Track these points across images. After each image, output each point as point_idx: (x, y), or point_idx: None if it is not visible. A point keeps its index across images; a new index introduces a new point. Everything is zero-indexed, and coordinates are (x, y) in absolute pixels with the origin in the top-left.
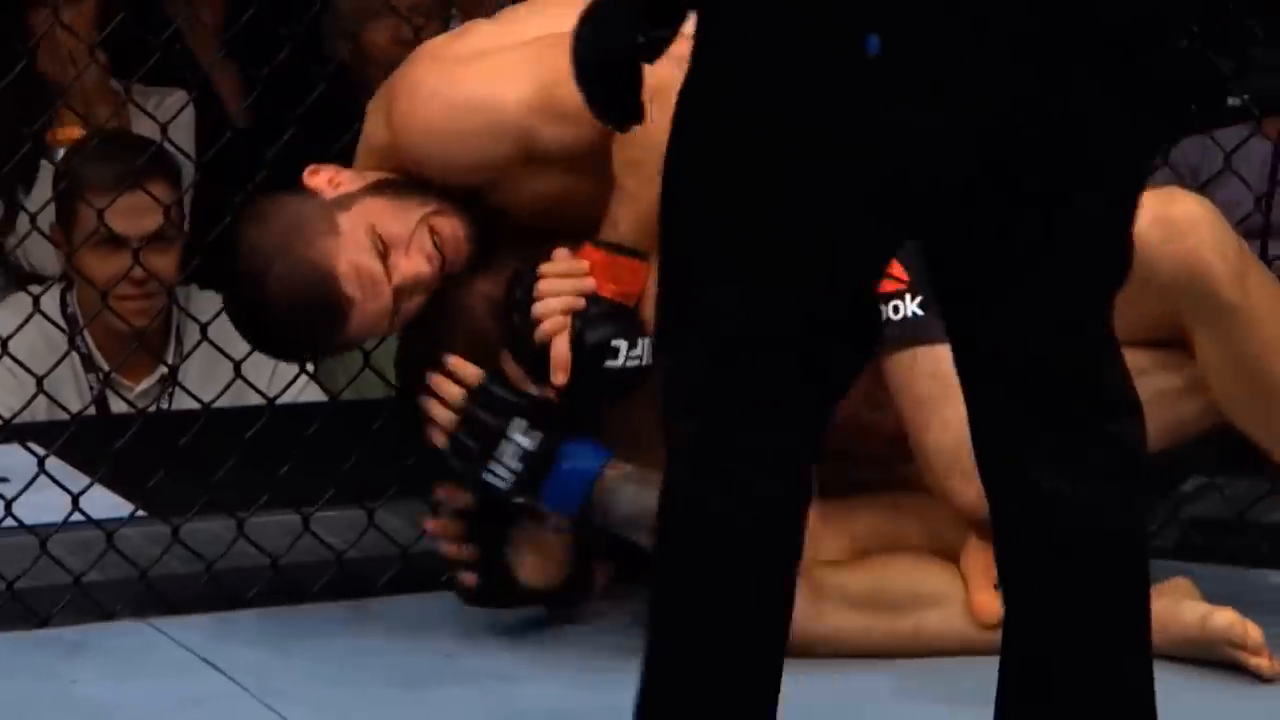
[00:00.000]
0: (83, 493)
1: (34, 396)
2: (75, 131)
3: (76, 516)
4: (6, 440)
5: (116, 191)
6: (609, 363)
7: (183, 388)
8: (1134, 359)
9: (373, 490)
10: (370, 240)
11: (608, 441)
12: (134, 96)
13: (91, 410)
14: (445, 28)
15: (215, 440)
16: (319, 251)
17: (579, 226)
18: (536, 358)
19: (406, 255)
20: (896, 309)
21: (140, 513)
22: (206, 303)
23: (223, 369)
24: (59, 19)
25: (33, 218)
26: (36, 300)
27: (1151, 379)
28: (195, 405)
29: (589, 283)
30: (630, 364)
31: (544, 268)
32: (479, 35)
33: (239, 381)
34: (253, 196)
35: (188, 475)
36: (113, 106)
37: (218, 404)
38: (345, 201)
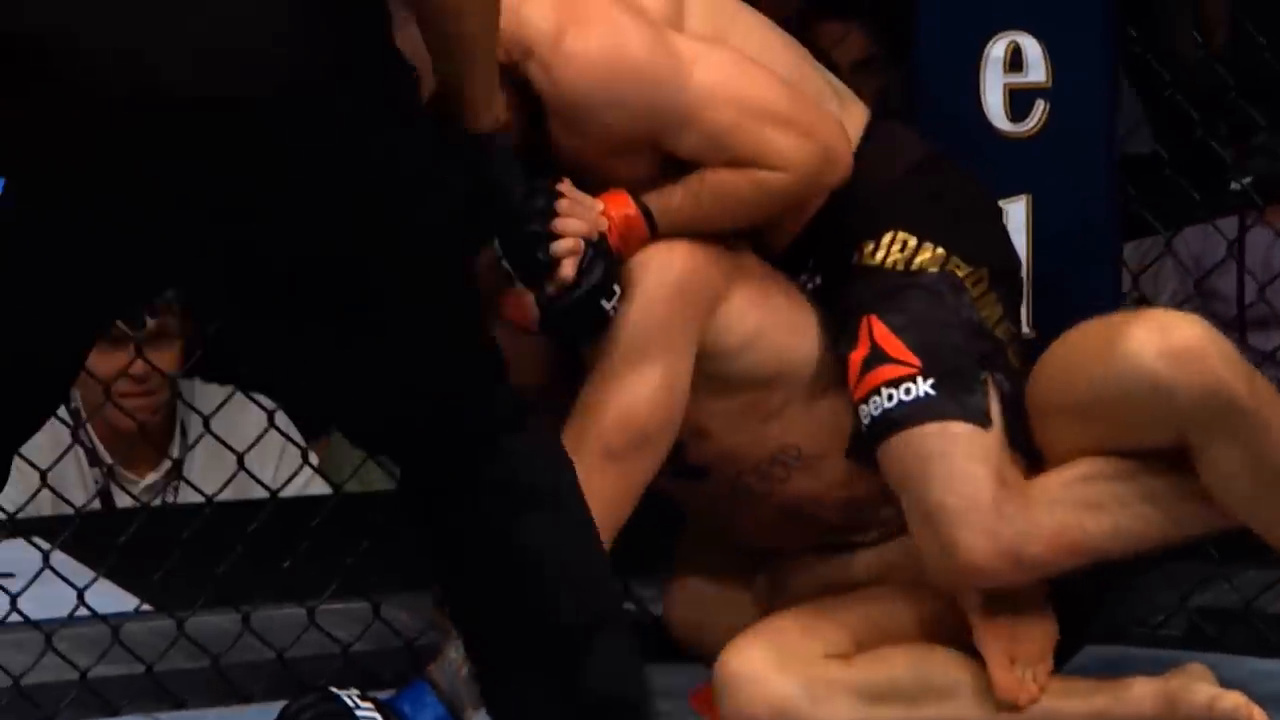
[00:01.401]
0: (88, 587)
1: (38, 490)
2: None
3: (82, 611)
4: (12, 535)
5: None
6: (603, 301)
7: (187, 481)
8: (1128, 464)
9: (378, 583)
10: None
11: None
12: None
13: (96, 504)
14: None
15: (220, 533)
16: None
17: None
18: (539, 266)
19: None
20: (908, 390)
21: (146, 607)
22: (211, 396)
23: (227, 462)
24: None
25: None
26: None
27: (1149, 481)
28: (200, 498)
29: (604, 222)
30: (612, 312)
31: (565, 188)
32: (700, 17)
33: (243, 474)
34: None
35: (193, 569)
36: None
37: (222, 497)
38: None
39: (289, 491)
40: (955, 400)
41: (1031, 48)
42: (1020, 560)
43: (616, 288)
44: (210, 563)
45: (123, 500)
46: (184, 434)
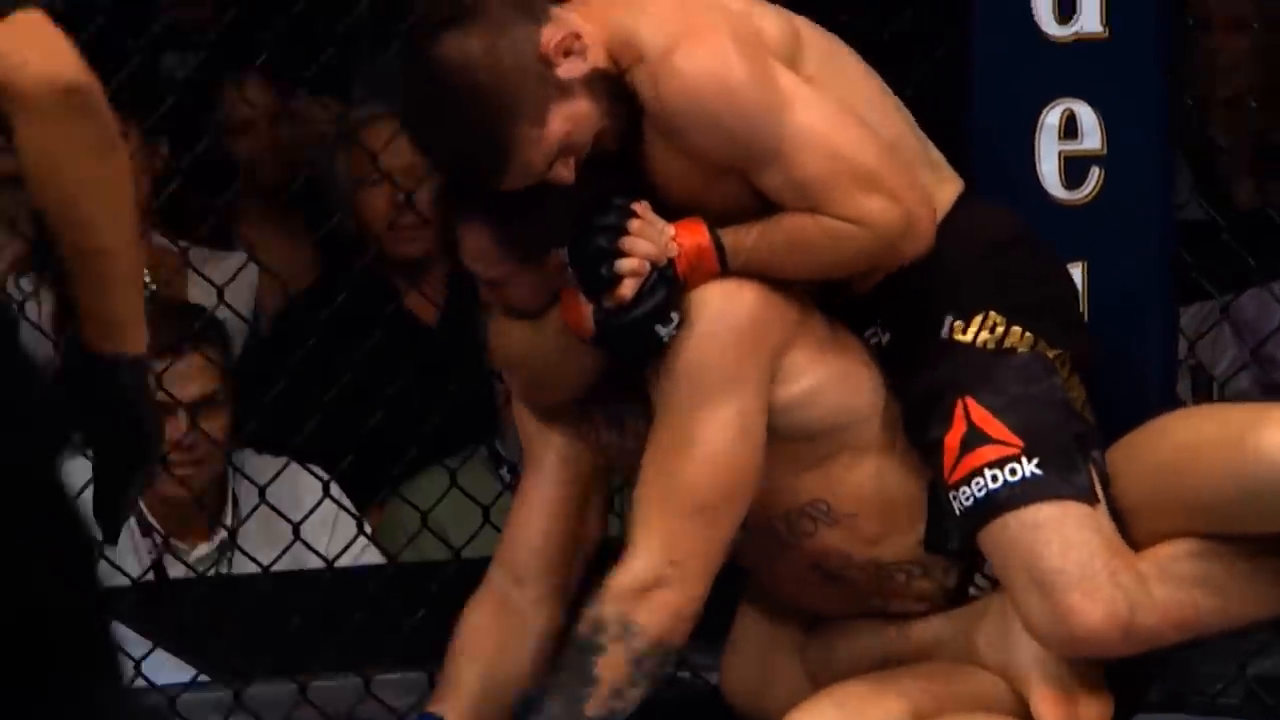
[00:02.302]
0: (145, 658)
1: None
2: None
3: (139, 682)
4: None
5: (160, 359)
6: (659, 326)
7: (242, 551)
8: (1233, 544)
9: (434, 652)
10: (557, 148)
11: None
12: (192, 260)
13: (149, 575)
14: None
15: (276, 603)
16: (516, 124)
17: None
18: (600, 281)
19: (565, 165)
20: (1013, 471)
21: (202, 677)
22: (263, 465)
23: (280, 532)
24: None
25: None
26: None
27: (1253, 560)
28: (253, 568)
29: (674, 248)
30: (666, 339)
31: (640, 209)
32: (815, 60)
33: (297, 544)
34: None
35: (249, 638)
36: (170, 268)
37: (275, 567)
38: (565, 87)
39: (344, 561)
40: (1063, 479)
41: (1086, 115)
42: (1131, 630)
43: (675, 315)
44: (267, 632)
45: (175, 571)
46: (235, 504)
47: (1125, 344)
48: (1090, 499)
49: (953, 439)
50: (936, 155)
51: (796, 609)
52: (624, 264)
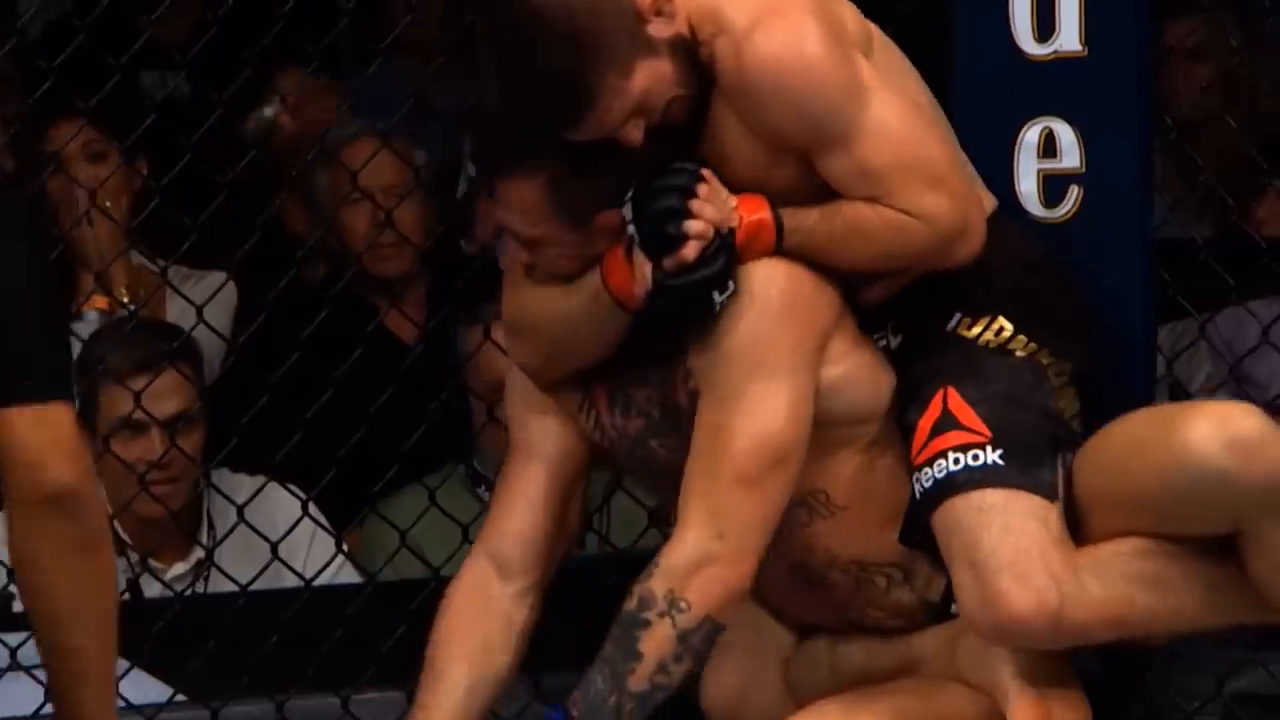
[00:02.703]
0: (122, 677)
1: None
2: (100, 301)
3: (116, 702)
4: None
5: (134, 377)
6: (715, 294)
7: (219, 569)
8: (1177, 546)
9: (412, 671)
10: (635, 104)
11: None
12: (171, 278)
13: (125, 595)
14: (421, 208)
15: (253, 622)
16: (604, 70)
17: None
18: (666, 239)
19: (637, 125)
20: (975, 457)
21: (180, 697)
22: (239, 484)
23: (256, 550)
24: (72, 177)
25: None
26: None
27: (1197, 564)
28: (230, 587)
29: (735, 218)
30: (719, 306)
31: (708, 175)
32: (884, 57)
33: (274, 562)
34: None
35: (226, 658)
36: (149, 286)
37: (253, 586)
38: (652, 45)
39: (321, 580)
40: (1023, 472)
41: (1065, 133)
42: (1061, 622)
43: (731, 284)
44: (244, 651)
45: (151, 590)
46: (211, 523)
47: (1104, 361)
48: (1047, 495)
49: (925, 422)
50: (974, 170)
51: (778, 618)
52: (692, 225)
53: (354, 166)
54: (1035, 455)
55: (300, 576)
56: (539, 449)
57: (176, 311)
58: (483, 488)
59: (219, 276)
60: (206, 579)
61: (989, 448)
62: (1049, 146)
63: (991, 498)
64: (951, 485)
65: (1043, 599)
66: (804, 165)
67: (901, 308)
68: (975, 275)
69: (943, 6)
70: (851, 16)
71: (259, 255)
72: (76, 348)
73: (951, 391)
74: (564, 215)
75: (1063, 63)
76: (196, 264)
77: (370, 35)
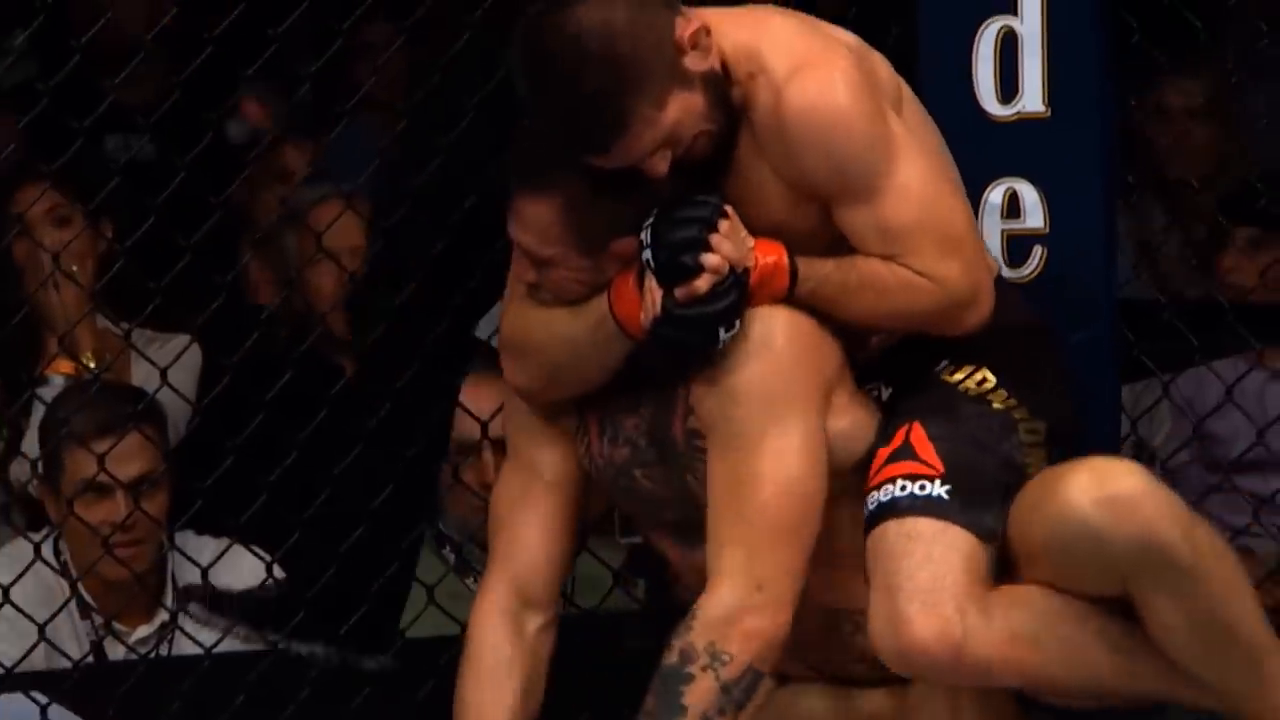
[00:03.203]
0: None
1: (35, 644)
2: (65, 366)
3: None
4: (9, 689)
5: (98, 439)
6: (722, 330)
7: (184, 632)
8: (1093, 605)
9: None
10: (665, 135)
11: None
12: (135, 341)
13: (90, 658)
14: None
15: (218, 684)
16: (639, 99)
17: None
18: (680, 269)
19: (664, 157)
20: (922, 487)
21: None
22: (203, 547)
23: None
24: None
25: (34, 464)
26: (38, 548)
27: (1109, 624)
28: (194, 650)
29: (752, 258)
30: (722, 344)
31: (731, 213)
32: (913, 117)
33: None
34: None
35: None
36: (113, 349)
37: (220, 649)
38: (687, 77)
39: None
40: (964, 510)
41: (1029, 194)
42: (962, 655)
43: (739, 323)
44: (209, 715)
45: (115, 653)
46: (175, 586)
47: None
48: (983, 536)
49: (885, 451)
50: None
51: None
52: (709, 258)
53: (319, 228)
54: (982, 498)
55: (265, 639)
56: (546, 470)
57: (141, 374)
58: (447, 549)
59: (183, 339)
60: (171, 641)
61: (938, 481)
62: (1013, 207)
63: (924, 526)
64: (891, 509)
65: (946, 629)
66: (825, 214)
67: (895, 359)
68: (968, 334)
69: (907, 67)
70: (885, 70)
71: (223, 318)
72: (40, 411)
73: (917, 426)
74: (579, 238)
75: (1026, 124)
76: (162, 327)
77: (334, 96)
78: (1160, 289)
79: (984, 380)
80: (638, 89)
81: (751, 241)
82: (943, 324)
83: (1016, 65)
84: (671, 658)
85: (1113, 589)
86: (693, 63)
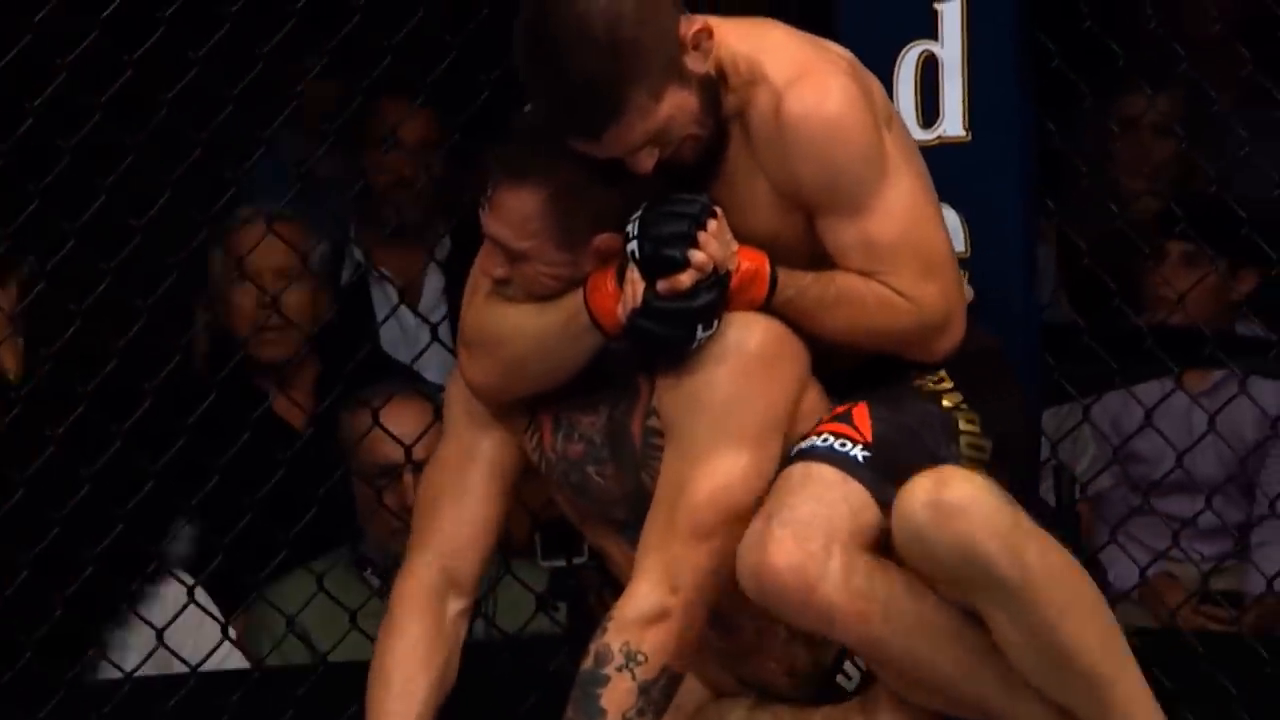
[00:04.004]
0: None
1: None
2: None
3: None
4: None
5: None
6: (700, 328)
7: (105, 658)
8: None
9: None
10: (657, 130)
11: None
12: None
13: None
14: (310, 292)
15: (139, 709)
16: (637, 87)
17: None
18: (665, 262)
19: (651, 154)
20: (843, 444)
21: None
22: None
23: (143, 636)
24: None
25: None
26: None
27: (973, 631)
28: (117, 674)
29: (735, 261)
30: (700, 341)
31: (720, 214)
32: (899, 140)
33: (163, 650)
34: None
35: None
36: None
37: (141, 673)
38: (685, 75)
39: (208, 666)
40: (874, 476)
41: (950, 218)
42: (811, 595)
43: (716, 323)
44: None
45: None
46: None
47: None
48: (881, 499)
49: (825, 418)
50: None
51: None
52: (695, 254)
53: (244, 249)
54: (896, 475)
55: (185, 663)
56: (485, 455)
57: None
58: (369, 571)
59: None
60: (95, 666)
61: (860, 446)
62: None
63: (828, 473)
64: (807, 454)
65: (806, 564)
66: (811, 228)
67: (865, 372)
68: None
69: None
70: (878, 89)
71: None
72: None
73: (863, 405)
74: (559, 232)
75: (947, 148)
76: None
77: (259, 118)
78: (1082, 311)
79: (941, 380)
80: (637, 77)
81: (736, 245)
82: (915, 346)
83: (937, 89)
84: (587, 662)
85: (953, 595)
86: (692, 63)
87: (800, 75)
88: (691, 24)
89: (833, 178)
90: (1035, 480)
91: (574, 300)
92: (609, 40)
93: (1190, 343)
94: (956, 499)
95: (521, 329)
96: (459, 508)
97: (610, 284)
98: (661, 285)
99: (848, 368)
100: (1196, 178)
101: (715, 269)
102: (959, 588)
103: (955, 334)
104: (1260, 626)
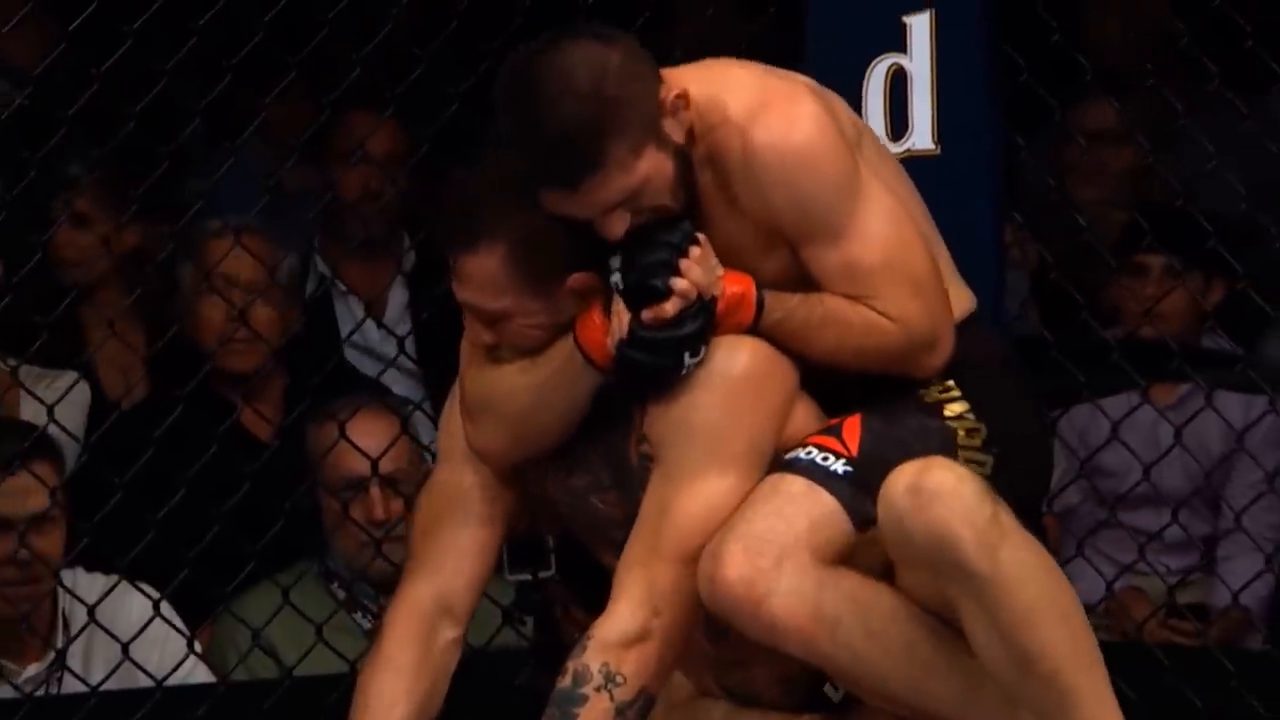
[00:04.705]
0: None
1: None
2: None
3: None
4: None
5: None
6: (687, 355)
7: (70, 671)
8: (930, 618)
9: None
10: (633, 188)
11: None
12: (23, 378)
13: None
14: (280, 305)
15: None
16: (617, 140)
17: None
18: (648, 291)
19: (622, 217)
20: (826, 459)
21: None
22: (92, 584)
23: (110, 650)
24: None
25: None
26: None
27: (936, 641)
28: (83, 688)
29: (720, 287)
30: (689, 368)
31: (703, 240)
32: (873, 158)
33: (126, 663)
34: None
35: None
36: (3, 386)
37: (106, 686)
38: (663, 139)
39: (174, 680)
40: (852, 491)
41: None
42: (759, 609)
43: (704, 350)
44: None
45: (3, 691)
46: (66, 624)
47: None
48: (854, 517)
49: (818, 430)
50: (951, 265)
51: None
52: (678, 282)
53: (214, 261)
54: (878, 490)
55: (151, 677)
56: (481, 483)
57: (31, 412)
58: (335, 585)
59: (71, 376)
60: (59, 680)
61: (843, 460)
62: None
63: (796, 486)
64: (786, 466)
65: (755, 579)
66: (791, 258)
67: (868, 382)
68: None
69: None
70: (844, 110)
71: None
72: None
73: (857, 417)
74: (526, 283)
75: (915, 161)
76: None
77: (224, 130)
78: (1051, 324)
79: (948, 389)
80: (618, 131)
81: (721, 270)
82: (904, 365)
83: (906, 103)
84: (565, 680)
85: (930, 589)
86: (670, 129)
87: (763, 106)
88: (670, 89)
89: (807, 206)
90: (1045, 485)
91: (565, 344)
92: (593, 91)
93: (1157, 356)
94: (936, 485)
95: (520, 385)
96: (455, 537)
97: (598, 319)
98: (646, 315)
99: (850, 380)
100: (1152, 189)
101: (700, 295)
102: (933, 577)
103: (944, 350)
104: (1225, 639)
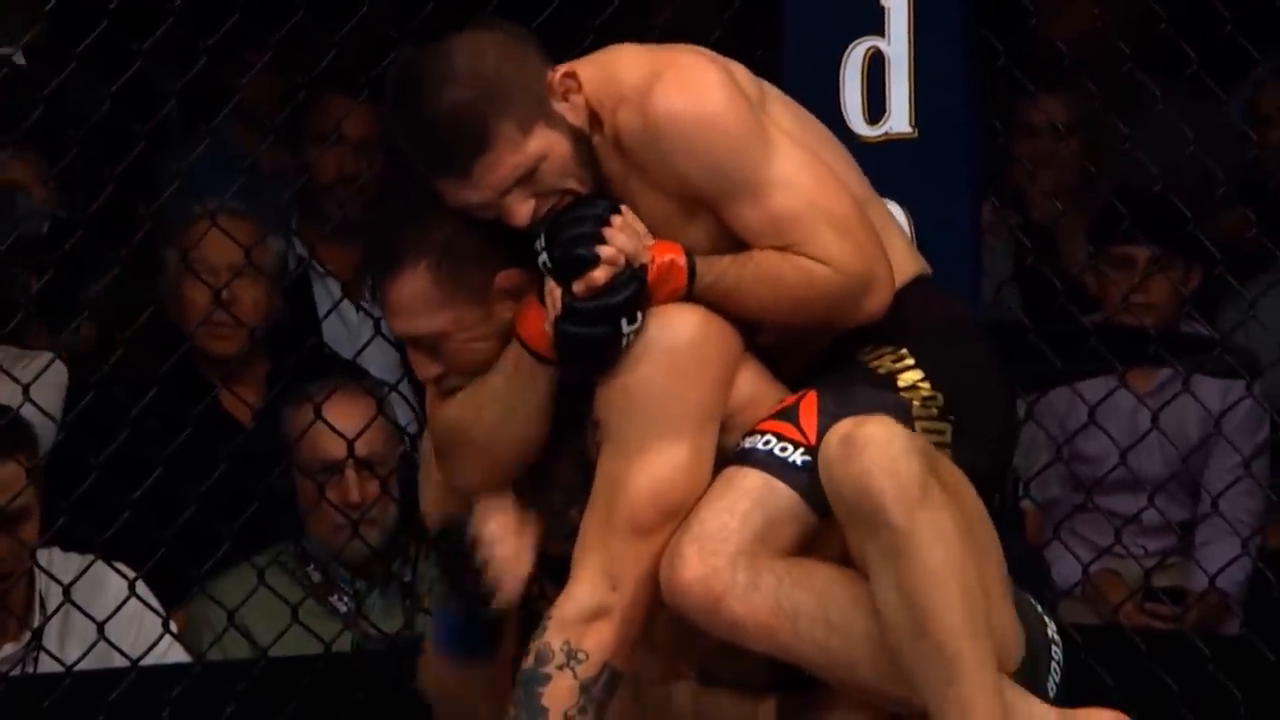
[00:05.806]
0: None
1: None
2: None
3: None
4: None
5: None
6: (624, 322)
7: (46, 651)
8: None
9: None
10: (527, 166)
11: None
12: None
13: None
14: (263, 288)
15: (80, 703)
16: (502, 118)
17: None
18: (576, 262)
19: (524, 201)
20: (784, 449)
21: None
22: (68, 563)
23: (86, 630)
24: None
25: None
26: None
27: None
28: (59, 668)
29: (649, 254)
30: (628, 337)
31: (626, 210)
32: (783, 117)
33: (103, 643)
34: None
35: None
36: None
37: (81, 666)
38: (553, 118)
39: (149, 659)
40: (811, 481)
41: (897, 214)
42: (719, 608)
43: (640, 316)
44: None
45: None
46: (43, 604)
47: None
48: (812, 507)
49: (776, 408)
50: (902, 228)
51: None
52: (605, 249)
53: (197, 244)
54: None
55: (127, 656)
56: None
57: (7, 394)
58: (311, 566)
59: (46, 357)
60: (36, 659)
61: (802, 450)
62: None
63: (752, 480)
64: (744, 458)
65: (711, 579)
66: (716, 224)
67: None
68: (898, 324)
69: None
70: (742, 73)
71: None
72: None
73: (812, 395)
74: (457, 293)
75: (893, 144)
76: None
77: (200, 111)
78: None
79: (902, 358)
80: (502, 111)
81: (650, 239)
82: (844, 310)
83: (884, 86)
84: (528, 661)
85: (857, 547)
86: (561, 109)
87: (656, 77)
88: (557, 72)
89: (716, 166)
90: (1009, 447)
91: (512, 350)
92: (471, 74)
93: (1135, 341)
94: (865, 436)
95: (479, 404)
96: None
97: (535, 310)
98: (577, 286)
99: (799, 372)
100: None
101: (629, 262)
102: (856, 531)
103: (883, 290)
104: (1202, 623)
